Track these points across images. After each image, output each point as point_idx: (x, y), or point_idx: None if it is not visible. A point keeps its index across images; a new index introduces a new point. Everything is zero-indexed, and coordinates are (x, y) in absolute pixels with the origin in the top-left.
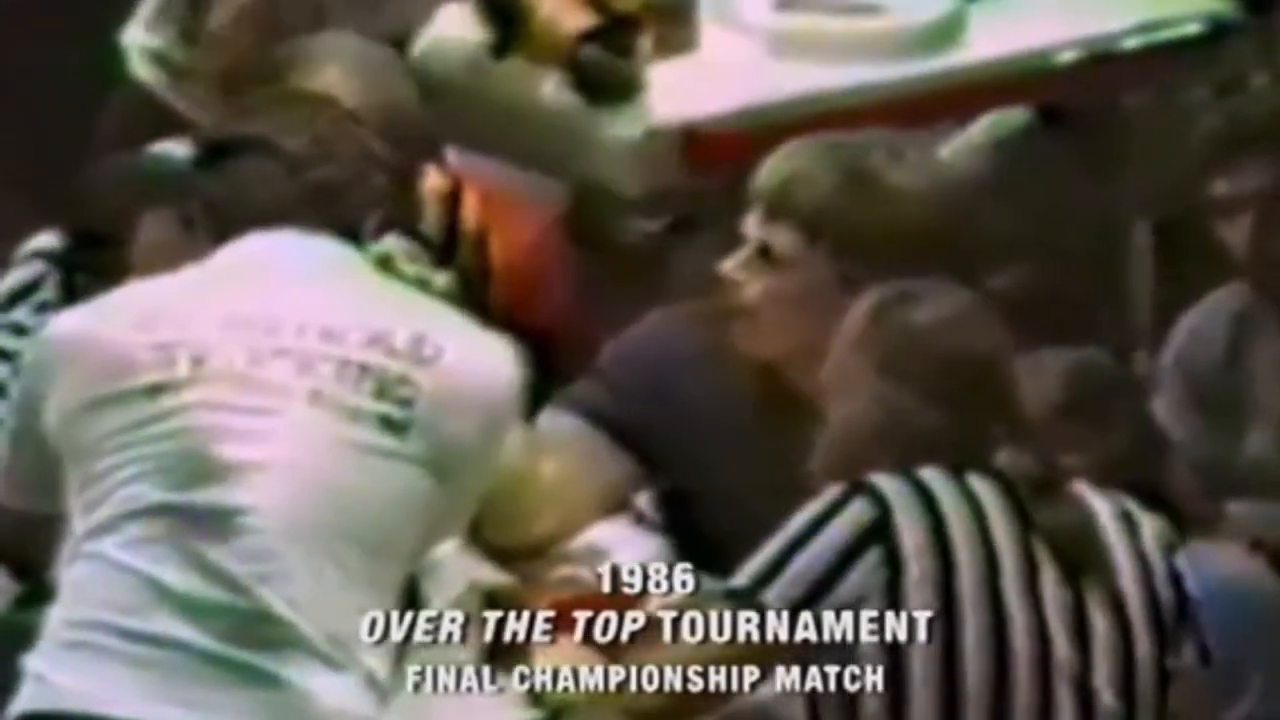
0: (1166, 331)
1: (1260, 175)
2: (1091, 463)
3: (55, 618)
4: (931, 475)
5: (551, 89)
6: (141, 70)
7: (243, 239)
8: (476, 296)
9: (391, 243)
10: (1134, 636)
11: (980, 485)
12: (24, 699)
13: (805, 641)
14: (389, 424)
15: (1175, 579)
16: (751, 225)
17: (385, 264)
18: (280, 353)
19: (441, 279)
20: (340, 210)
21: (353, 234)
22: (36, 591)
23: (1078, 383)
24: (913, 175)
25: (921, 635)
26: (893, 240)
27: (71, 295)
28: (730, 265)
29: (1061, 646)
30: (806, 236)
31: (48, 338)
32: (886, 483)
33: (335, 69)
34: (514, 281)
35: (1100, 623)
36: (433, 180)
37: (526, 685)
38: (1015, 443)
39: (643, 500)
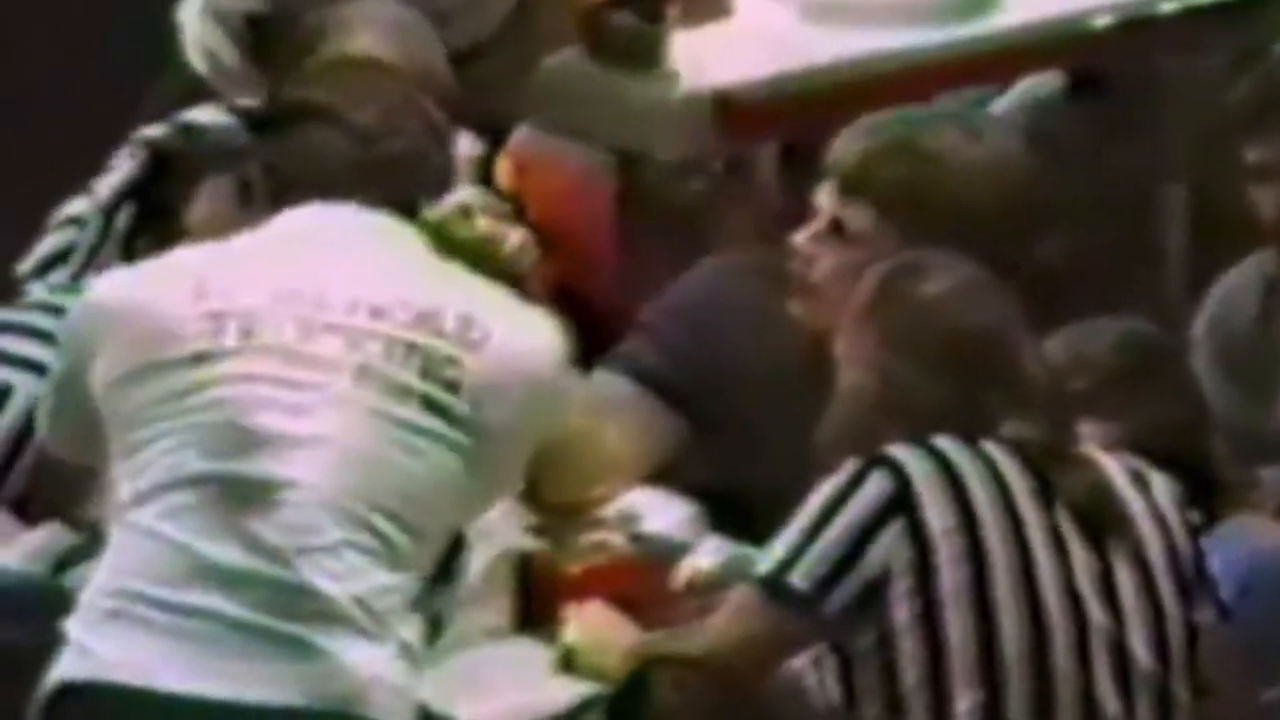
0: (1201, 297)
1: None
2: (1137, 430)
3: (95, 585)
4: (949, 445)
5: (578, 53)
6: (193, 57)
7: (296, 211)
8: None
9: (470, 193)
10: (1160, 594)
11: (998, 453)
12: (64, 666)
13: (835, 618)
14: (432, 405)
15: (1190, 532)
16: (825, 199)
17: (464, 214)
18: (330, 328)
19: (516, 236)
20: (403, 185)
21: (411, 209)
22: (88, 545)
23: (1127, 350)
24: (984, 153)
25: (955, 609)
26: (962, 218)
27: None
28: (802, 238)
29: (1095, 611)
30: (881, 214)
31: (98, 300)
32: (904, 454)
33: (369, 34)
34: (565, 249)
35: (1127, 583)
36: (465, 144)
37: (560, 652)
38: (1020, 415)
39: None
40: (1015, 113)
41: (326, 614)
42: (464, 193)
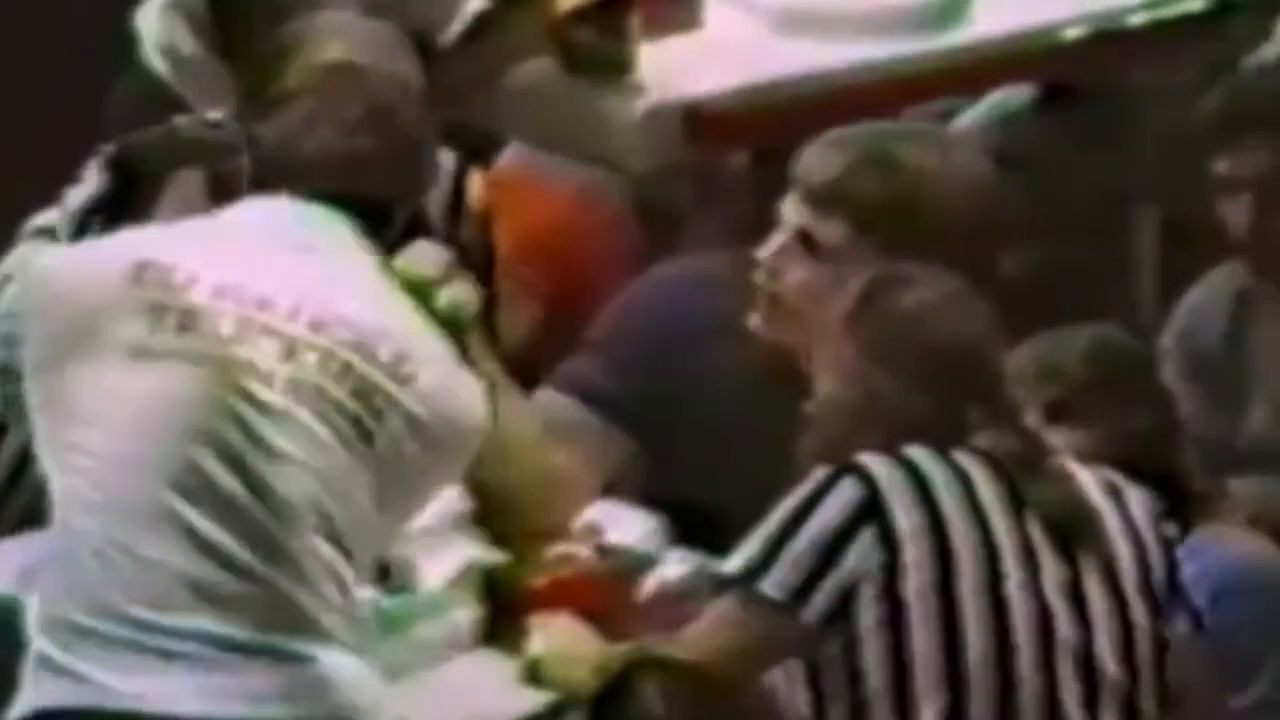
0: (1173, 307)
1: (1260, 157)
2: (1108, 438)
3: (65, 600)
4: (920, 454)
5: (548, 67)
6: (154, 59)
7: (256, 201)
8: (480, 275)
9: (429, 254)
10: (1129, 606)
11: (969, 463)
12: (47, 691)
13: (813, 627)
14: (359, 427)
15: (1165, 546)
16: (791, 212)
17: (444, 279)
18: (267, 331)
19: (473, 306)
20: (382, 182)
21: (386, 209)
22: None
23: (1099, 358)
24: (959, 169)
25: (921, 614)
26: (938, 233)
27: None
28: (768, 252)
29: (1062, 621)
30: (856, 229)
31: (40, 271)
32: (874, 462)
33: (340, 44)
34: (549, 271)
35: (1096, 595)
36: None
37: (526, 664)
38: (998, 426)
39: None
40: (985, 124)
41: (314, 628)
42: (423, 253)
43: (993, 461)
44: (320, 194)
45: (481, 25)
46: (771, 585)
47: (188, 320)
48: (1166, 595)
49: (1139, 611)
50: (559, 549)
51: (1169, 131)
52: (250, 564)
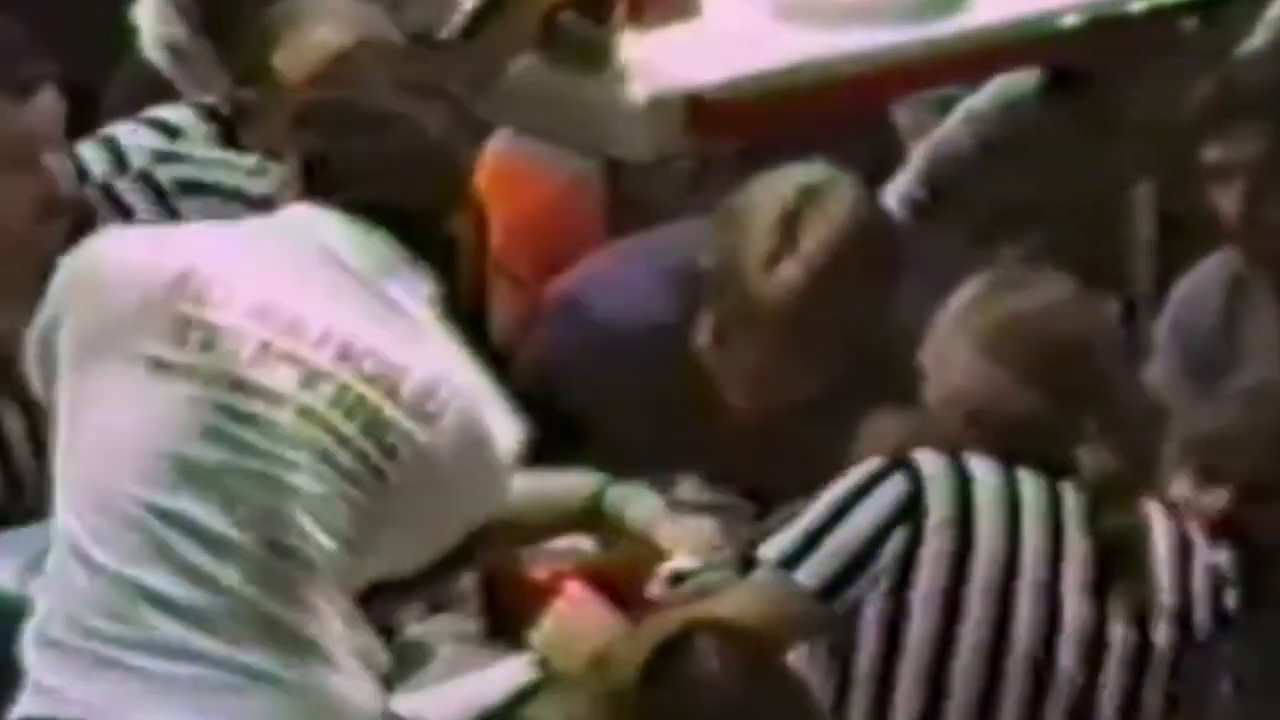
0: (1166, 296)
1: (1251, 145)
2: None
3: (56, 615)
4: (978, 462)
5: (539, 58)
6: (151, 53)
7: (310, 210)
8: (472, 264)
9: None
10: (1152, 662)
11: (1027, 480)
12: (27, 703)
13: (836, 613)
14: (367, 463)
15: (1219, 618)
16: None
17: None
18: (289, 358)
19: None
20: (422, 176)
21: (427, 224)
22: None
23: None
24: None
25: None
26: None
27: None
28: None
29: (1066, 656)
30: None
31: (84, 259)
32: (926, 460)
33: (327, 28)
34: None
35: (1117, 640)
36: None
37: (532, 652)
38: (1105, 434)
39: None
40: (989, 110)
41: (296, 643)
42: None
43: (1055, 479)
44: (359, 204)
45: (480, 20)
46: (806, 574)
47: (210, 338)
48: (1205, 660)
49: (1160, 669)
50: (560, 541)
51: (1164, 119)
52: (233, 585)
